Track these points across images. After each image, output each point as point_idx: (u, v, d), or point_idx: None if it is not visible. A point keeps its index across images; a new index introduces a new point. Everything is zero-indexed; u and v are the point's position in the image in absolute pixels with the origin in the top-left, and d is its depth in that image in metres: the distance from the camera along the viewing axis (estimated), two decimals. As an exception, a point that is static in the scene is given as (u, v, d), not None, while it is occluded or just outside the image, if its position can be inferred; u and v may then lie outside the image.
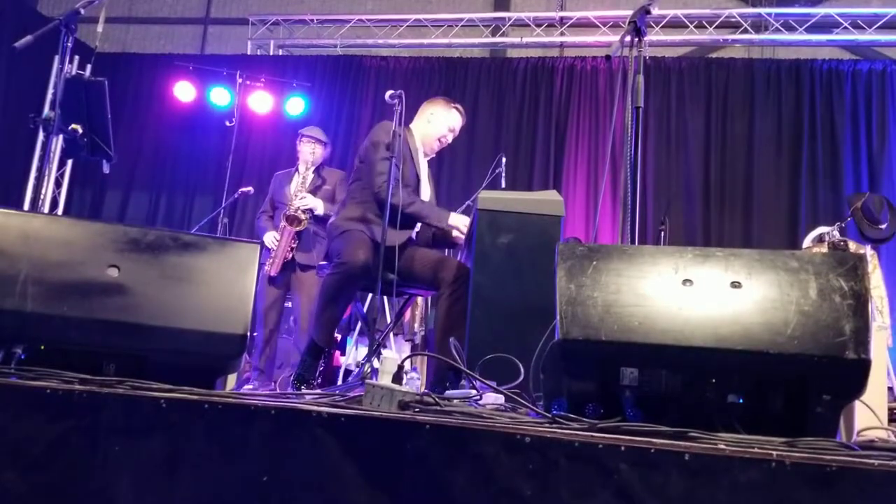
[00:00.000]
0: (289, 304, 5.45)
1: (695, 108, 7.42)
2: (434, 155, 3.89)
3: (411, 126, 3.84)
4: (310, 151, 5.38)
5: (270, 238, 5.24)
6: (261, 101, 7.61)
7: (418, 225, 3.70)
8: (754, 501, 1.36)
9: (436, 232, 3.82)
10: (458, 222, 3.61)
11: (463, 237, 3.63)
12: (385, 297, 5.10)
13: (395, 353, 5.39)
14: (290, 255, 5.17)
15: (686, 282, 1.80)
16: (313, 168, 5.39)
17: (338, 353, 5.63)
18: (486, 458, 1.47)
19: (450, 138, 3.86)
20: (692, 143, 7.34)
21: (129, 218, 8.21)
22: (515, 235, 3.04)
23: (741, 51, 7.79)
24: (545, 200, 3.13)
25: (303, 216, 5.10)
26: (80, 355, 1.99)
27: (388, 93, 3.58)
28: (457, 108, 3.86)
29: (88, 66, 7.47)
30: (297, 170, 5.47)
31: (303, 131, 5.55)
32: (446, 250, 3.95)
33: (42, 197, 5.48)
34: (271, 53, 8.67)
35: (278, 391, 3.95)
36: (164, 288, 2.07)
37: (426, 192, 3.79)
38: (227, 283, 2.13)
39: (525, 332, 2.45)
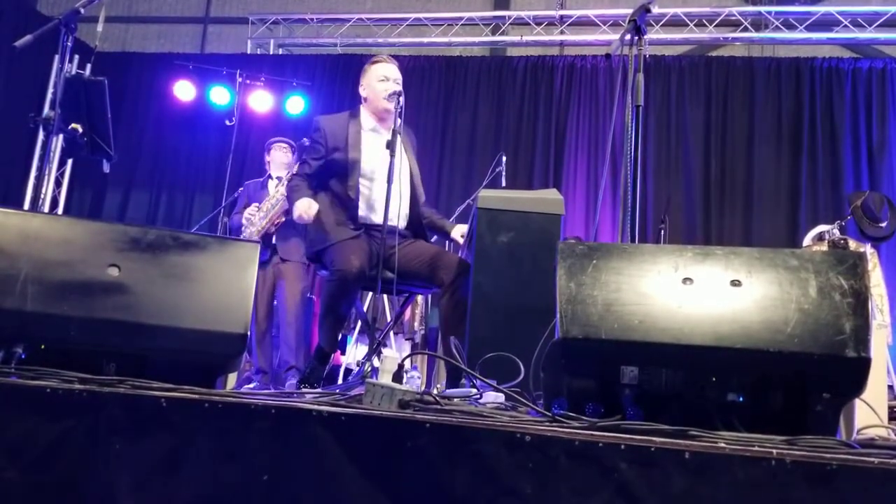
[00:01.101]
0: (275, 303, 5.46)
1: (695, 106, 7.42)
2: (394, 111, 3.46)
3: (361, 107, 3.71)
4: (284, 157, 5.57)
5: (252, 209, 5.29)
6: (261, 100, 7.62)
7: (400, 211, 3.53)
8: (754, 500, 1.36)
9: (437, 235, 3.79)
10: (301, 207, 3.41)
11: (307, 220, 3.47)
12: (385, 296, 5.10)
13: (395, 351, 5.40)
14: (273, 231, 5.24)
15: (686, 280, 1.80)
16: (288, 172, 5.42)
17: (338, 352, 5.64)
18: (486, 456, 1.47)
19: (393, 86, 3.56)
20: (692, 142, 7.34)
21: (130, 217, 8.21)
22: (515, 234, 3.04)
23: (741, 49, 7.78)
24: (545, 199, 3.12)
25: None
26: (81, 354, 1.99)
27: (388, 91, 3.56)
28: (376, 61, 3.70)
29: (88, 66, 7.45)
30: (269, 177, 5.61)
31: (273, 140, 5.73)
32: (446, 245, 3.92)
33: (42, 196, 5.49)
34: (271, 52, 8.67)
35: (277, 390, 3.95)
36: (164, 287, 2.07)
37: (404, 172, 3.56)
38: (227, 282, 2.13)
39: (525, 331, 2.45)
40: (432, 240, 3.74)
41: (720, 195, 7.22)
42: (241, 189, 5.81)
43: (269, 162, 5.69)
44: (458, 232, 3.66)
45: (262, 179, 5.69)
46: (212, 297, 2.10)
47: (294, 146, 5.62)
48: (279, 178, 5.43)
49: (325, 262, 3.41)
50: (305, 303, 5.42)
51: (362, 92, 3.72)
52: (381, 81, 3.61)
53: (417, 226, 3.61)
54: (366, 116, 3.68)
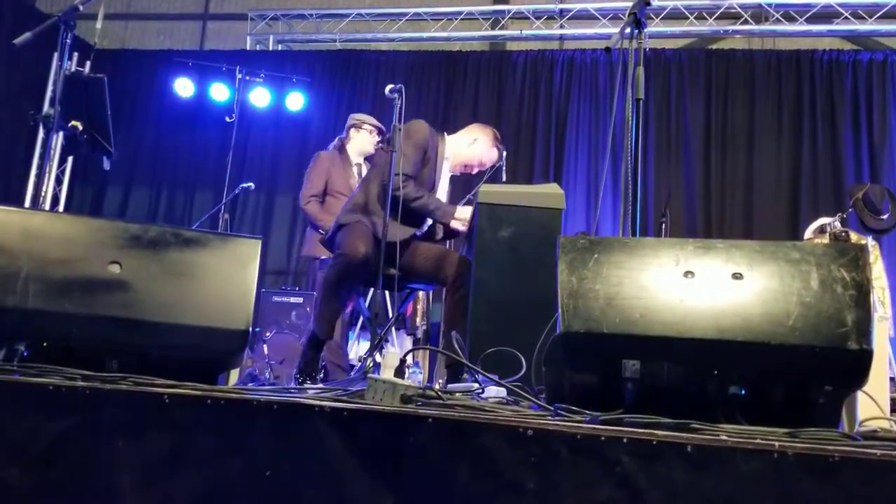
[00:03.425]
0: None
1: (695, 99, 7.41)
2: (457, 174, 3.79)
3: (448, 137, 3.76)
4: (369, 142, 4.97)
5: None
6: (260, 97, 7.62)
7: (427, 223, 3.65)
8: (757, 492, 1.36)
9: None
10: (464, 215, 3.57)
11: (465, 228, 3.61)
12: (387, 292, 5.09)
13: (397, 347, 5.40)
14: None
15: (687, 273, 1.80)
16: (363, 159, 5.04)
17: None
18: (488, 450, 1.47)
19: (476, 170, 3.83)
20: (693, 135, 7.33)
21: (130, 214, 8.22)
22: (516, 229, 3.04)
23: (741, 42, 7.76)
24: (546, 193, 3.12)
25: None
26: (83, 352, 1.99)
27: (388, 87, 3.56)
28: (498, 148, 3.83)
29: (88, 63, 7.47)
30: (349, 159, 5.04)
31: (361, 119, 5.11)
32: (447, 242, 3.93)
33: (43, 194, 5.48)
34: (270, 48, 8.66)
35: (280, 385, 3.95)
36: (165, 284, 2.07)
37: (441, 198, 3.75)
38: (228, 278, 2.13)
39: (527, 326, 2.45)
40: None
41: (721, 188, 7.21)
42: (315, 165, 5.04)
43: (347, 141, 5.09)
44: (462, 213, 3.63)
45: (339, 155, 5.04)
46: (213, 294, 2.10)
47: (383, 130, 5.05)
48: (358, 165, 5.00)
49: (336, 243, 3.45)
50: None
51: (471, 140, 3.76)
52: (481, 165, 3.80)
53: (425, 213, 3.62)
54: (446, 148, 3.72)
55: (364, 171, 4.87)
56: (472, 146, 3.75)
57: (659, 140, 7.33)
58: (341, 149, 5.10)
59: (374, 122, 5.13)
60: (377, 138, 5.01)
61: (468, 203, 3.79)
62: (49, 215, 2.34)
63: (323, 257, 4.80)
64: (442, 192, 3.73)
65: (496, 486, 1.46)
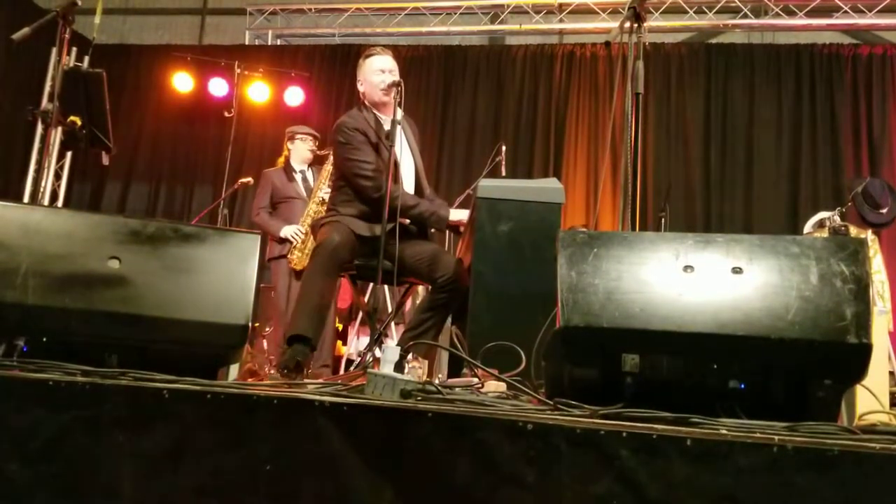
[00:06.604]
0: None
1: (695, 93, 7.40)
2: (395, 102, 3.45)
3: (365, 102, 3.70)
4: (307, 149, 5.45)
5: (293, 231, 5.13)
6: (259, 91, 7.62)
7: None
8: (756, 486, 1.36)
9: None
10: (458, 217, 3.56)
11: (462, 227, 3.60)
12: (386, 287, 5.09)
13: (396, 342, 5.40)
14: None
15: (687, 268, 1.80)
16: (307, 165, 5.49)
17: (339, 342, 5.65)
18: (488, 445, 1.47)
19: (389, 78, 3.55)
20: (692, 129, 7.32)
21: (129, 209, 8.22)
22: (516, 223, 3.04)
23: (741, 36, 7.74)
24: (545, 188, 3.12)
25: None
26: (83, 347, 1.99)
27: (387, 82, 3.55)
28: (369, 54, 3.66)
29: (86, 58, 7.44)
30: (292, 168, 5.49)
31: (297, 130, 5.56)
32: (446, 235, 3.93)
33: (42, 189, 5.48)
34: (269, 43, 8.64)
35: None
36: (165, 279, 2.07)
37: (407, 164, 3.64)
38: (228, 273, 2.13)
39: (526, 320, 2.45)
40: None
41: (720, 182, 7.20)
42: (262, 181, 5.54)
43: (290, 151, 5.51)
44: (455, 216, 3.63)
45: (282, 168, 5.51)
46: (213, 289, 2.10)
47: (319, 137, 5.53)
48: (302, 172, 5.43)
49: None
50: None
51: (360, 87, 3.71)
52: (381, 73, 3.59)
53: (420, 221, 3.60)
54: (372, 113, 3.65)
55: (309, 177, 5.43)
56: (364, 85, 3.67)
57: (658, 134, 7.32)
58: (287, 161, 5.54)
59: (308, 129, 5.60)
60: (313, 145, 5.49)
61: (468, 198, 3.78)
62: (48, 210, 2.34)
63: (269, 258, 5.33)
64: (405, 155, 3.64)
65: (496, 480, 1.46)
